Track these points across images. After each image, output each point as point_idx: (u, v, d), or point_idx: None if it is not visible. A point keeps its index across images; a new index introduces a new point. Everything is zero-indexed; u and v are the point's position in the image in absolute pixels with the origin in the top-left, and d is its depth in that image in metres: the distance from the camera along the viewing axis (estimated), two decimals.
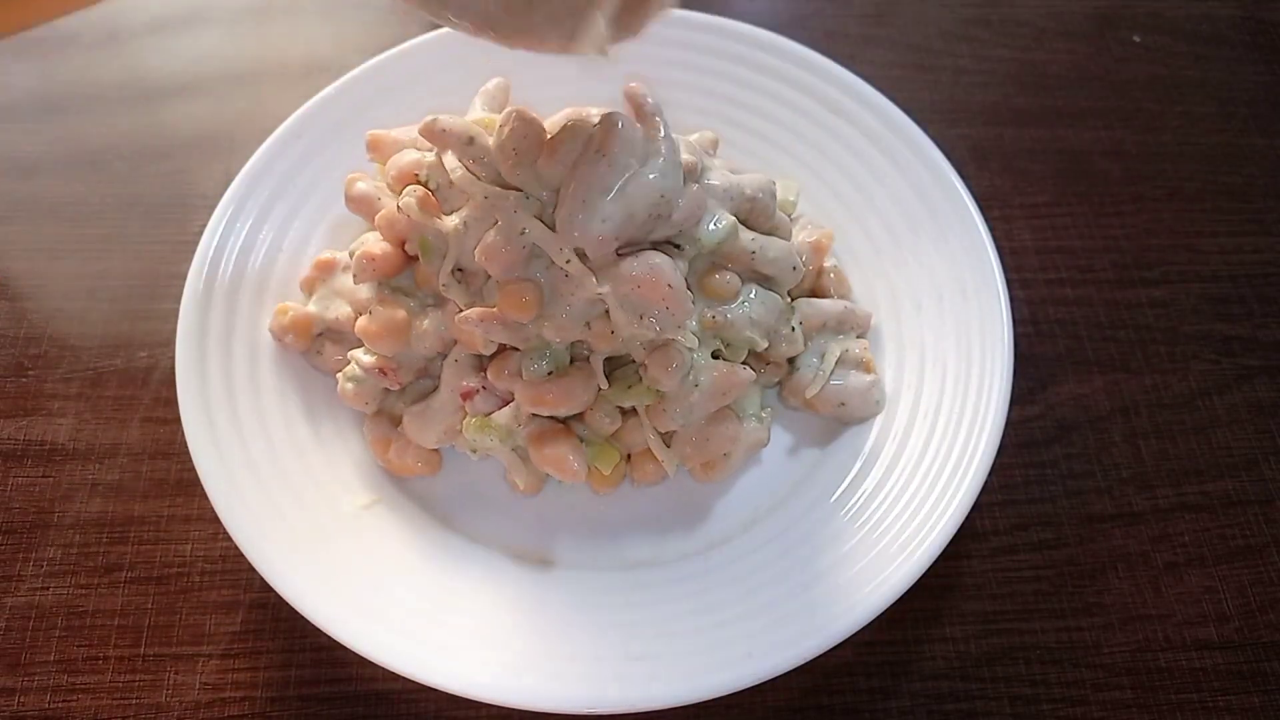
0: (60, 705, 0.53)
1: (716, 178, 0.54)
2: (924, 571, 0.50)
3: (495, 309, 0.51)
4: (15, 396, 0.63)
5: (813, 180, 0.66)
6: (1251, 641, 0.57)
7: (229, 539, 0.50)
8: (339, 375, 0.57)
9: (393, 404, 0.58)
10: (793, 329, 0.57)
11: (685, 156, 0.52)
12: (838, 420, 0.59)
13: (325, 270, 0.60)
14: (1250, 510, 0.62)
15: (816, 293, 0.61)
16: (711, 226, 0.52)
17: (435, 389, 0.57)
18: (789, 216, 0.61)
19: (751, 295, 0.54)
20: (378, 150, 0.61)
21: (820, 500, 0.55)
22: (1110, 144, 0.79)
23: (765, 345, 0.55)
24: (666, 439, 0.55)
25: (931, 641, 0.56)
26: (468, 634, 0.50)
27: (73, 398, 0.63)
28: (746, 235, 0.54)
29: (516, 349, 0.53)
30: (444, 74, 0.67)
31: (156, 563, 0.57)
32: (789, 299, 0.57)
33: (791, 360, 0.59)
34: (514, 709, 0.47)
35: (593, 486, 0.56)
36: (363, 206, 0.58)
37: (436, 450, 0.57)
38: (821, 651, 0.48)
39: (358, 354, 0.56)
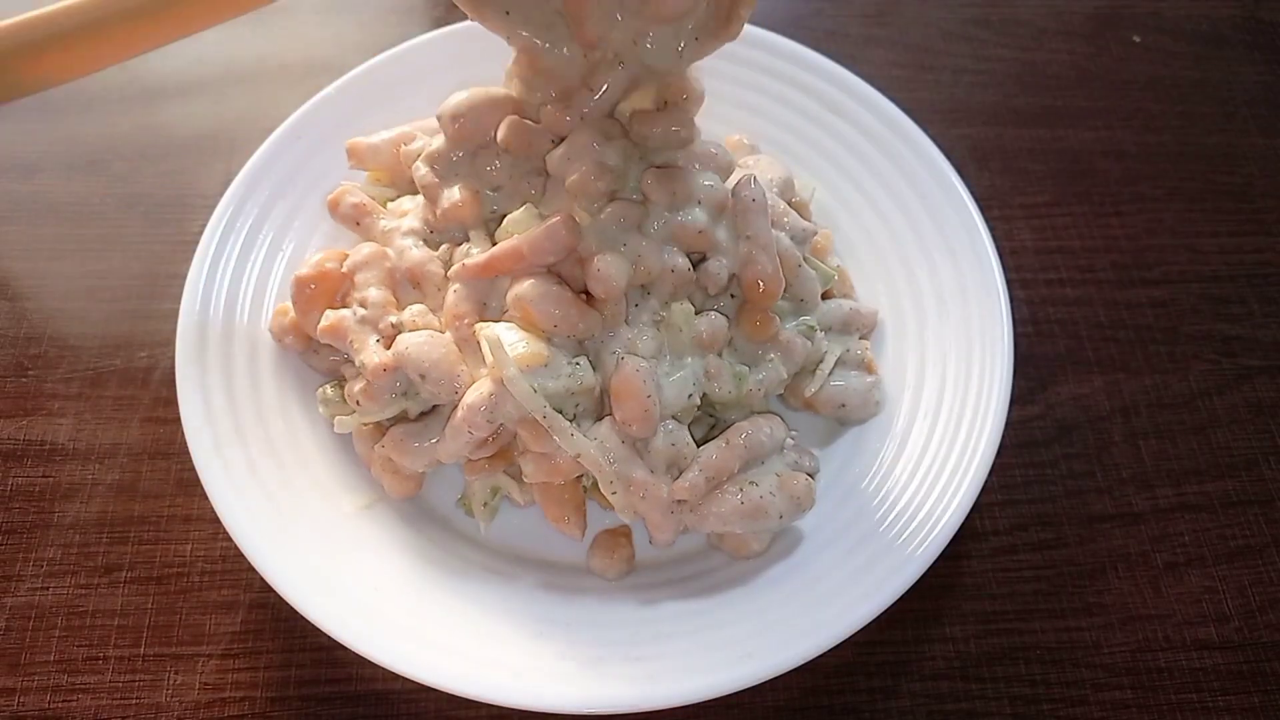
0: (60, 705, 0.53)
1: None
2: (924, 571, 0.50)
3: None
4: (15, 396, 0.63)
5: (813, 180, 0.66)
6: (1251, 641, 0.57)
7: (229, 539, 0.50)
8: (318, 392, 0.57)
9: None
10: (823, 352, 0.58)
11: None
12: (838, 421, 0.59)
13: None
14: (1250, 510, 0.62)
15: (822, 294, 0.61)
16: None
17: (425, 412, 0.55)
18: (808, 212, 0.63)
19: (774, 356, 0.55)
20: (358, 158, 0.61)
21: (820, 500, 0.55)
22: (1110, 144, 0.79)
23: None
24: None
25: (931, 641, 0.56)
26: (468, 634, 0.49)
27: (73, 398, 0.63)
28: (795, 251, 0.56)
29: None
30: (444, 74, 0.67)
31: (156, 563, 0.57)
32: (814, 322, 0.58)
33: None
34: (514, 709, 0.47)
35: (600, 503, 0.56)
36: (350, 221, 0.58)
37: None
38: (821, 651, 0.48)
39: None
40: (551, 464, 0.52)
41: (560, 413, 0.50)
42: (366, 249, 0.56)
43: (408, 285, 0.56)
